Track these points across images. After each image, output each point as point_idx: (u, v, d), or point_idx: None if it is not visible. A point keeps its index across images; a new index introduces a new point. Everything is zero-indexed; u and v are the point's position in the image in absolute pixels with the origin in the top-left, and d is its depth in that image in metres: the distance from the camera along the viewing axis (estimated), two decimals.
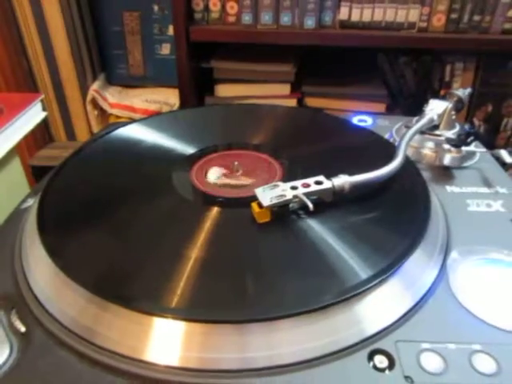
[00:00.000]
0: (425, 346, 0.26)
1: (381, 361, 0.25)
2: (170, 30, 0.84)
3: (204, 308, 0.27)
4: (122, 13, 0.84)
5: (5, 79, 0.77)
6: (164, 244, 0.32)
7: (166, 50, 0.88)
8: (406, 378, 0.24)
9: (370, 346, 0.26)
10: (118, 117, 0.88)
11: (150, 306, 0.26)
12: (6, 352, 0.26)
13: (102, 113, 0.90)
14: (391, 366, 0.25)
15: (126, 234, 0.33)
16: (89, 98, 0.86)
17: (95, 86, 0.88)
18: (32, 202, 0.39)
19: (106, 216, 0.35)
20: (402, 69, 0.82)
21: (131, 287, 0.28)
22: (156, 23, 0.85)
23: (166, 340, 0.26)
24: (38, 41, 0.80)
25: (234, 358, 0.25)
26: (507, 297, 0.29)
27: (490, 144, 0.80)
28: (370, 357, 0.25)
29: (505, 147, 0.80)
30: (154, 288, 0.28)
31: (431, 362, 0.25)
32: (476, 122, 0.79)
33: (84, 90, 0.86)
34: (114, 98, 0.89)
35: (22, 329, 0.28)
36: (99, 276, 0.29)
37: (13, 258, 0.33)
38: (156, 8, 0.84)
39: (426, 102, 0.46)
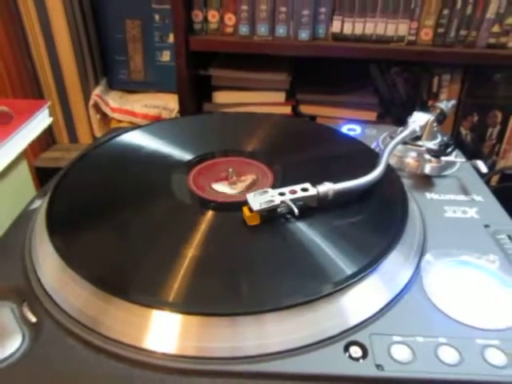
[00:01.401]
0: (396, 338, 0.28)
1: (355, 351, 0.27)
2: (171, 38, 0.85)
3: (199, 302, 0.29)
4: (125, 21, 0.86)
5: (11, 83, 0.78)
6: (163, 243, 0.34)
7: (166, 57, 0.89)
8: (378, 366, 0.27)
9: (347, 338, 0.28)
10: (119, 121, 0.89)
11: (150, 300, 0.28)
12: (19, 340, 0.28)
13: (104, 117, 0.90)
14: (364, 355, 0.27)
15: (128, 233, 0.35)
16: (91, 102, 0.87)
17: (97, 90, 0.89)
18: (39, 203, 0.41)
19: (110, 217, 0.36)
20: (393, 78, 0.83)
21: (133, 282, 0.30)
22: (157, 31, 0.86)
23: (164, 330, 0.28)
24: (43, 46, 0.82)
25: (227, 346, 0.27)
26: (473, 296, 0.32)
27: (476, 152, 0.82)
28: (346, 348, 0.28)
29: (490, 155, 0.83)
30: (153, 283, 0.30)
31: (401, 353, 0.27)
32: (462, 131, 0.82)
33: (87, 95, 0.87)
34: (115, 103, 0.90)
35: (33, 319, 0.29)
36: (103, 271, 0.31)
37: (23, 254, 0.35)
38: (157, 17, 0.85)
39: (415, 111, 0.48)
